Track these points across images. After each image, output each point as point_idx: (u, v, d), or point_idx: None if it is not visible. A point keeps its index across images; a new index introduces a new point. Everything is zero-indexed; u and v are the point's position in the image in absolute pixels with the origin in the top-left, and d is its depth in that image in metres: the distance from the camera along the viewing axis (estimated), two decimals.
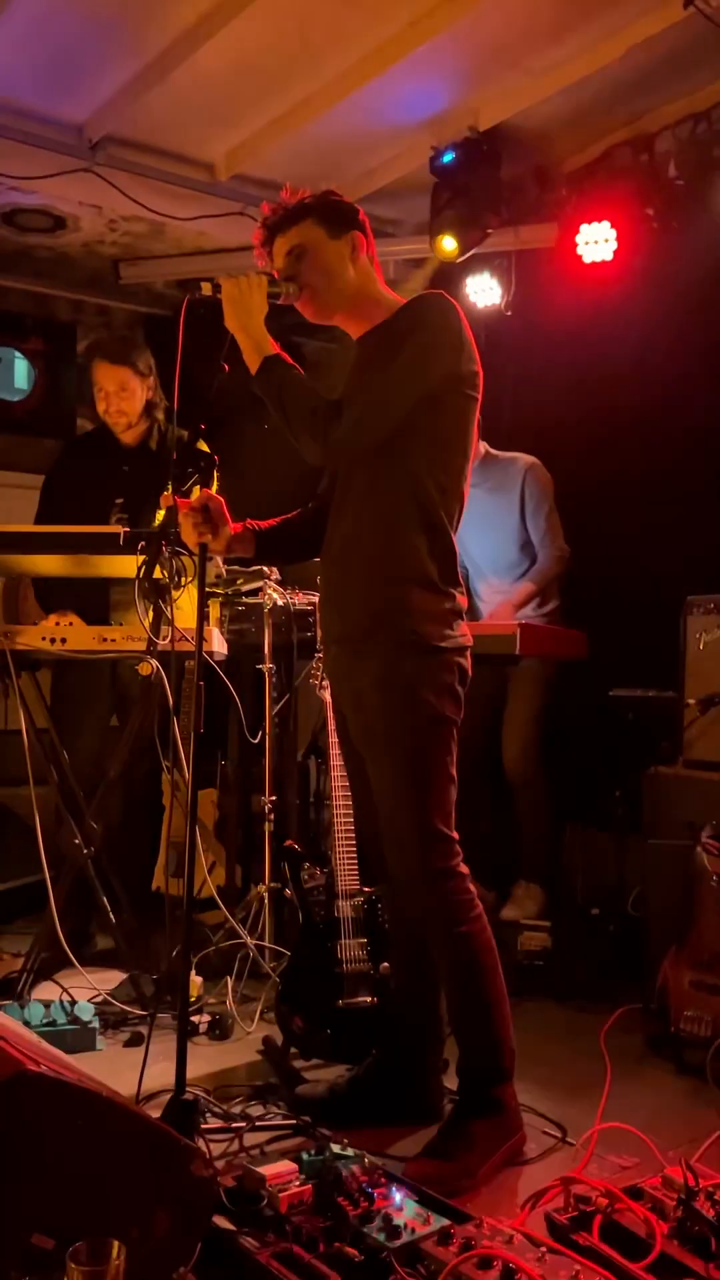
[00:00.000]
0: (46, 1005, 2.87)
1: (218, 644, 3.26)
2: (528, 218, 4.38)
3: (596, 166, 4.25)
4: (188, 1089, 2.14)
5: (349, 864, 2.80)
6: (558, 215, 4.28)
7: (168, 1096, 2.15)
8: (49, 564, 3.12)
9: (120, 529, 3.02)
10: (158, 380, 3.70)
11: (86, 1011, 2.88)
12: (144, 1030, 2.81)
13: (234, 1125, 2.34)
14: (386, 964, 2.68)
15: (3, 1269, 1.48)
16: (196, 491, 2.33)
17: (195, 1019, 2.98)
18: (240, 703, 3.35)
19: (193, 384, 2.37)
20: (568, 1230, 1.73)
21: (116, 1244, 1.41)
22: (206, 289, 2.33)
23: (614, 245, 4.09)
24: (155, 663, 2.94)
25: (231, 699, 3.31)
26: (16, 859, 3.89)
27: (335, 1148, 1.95)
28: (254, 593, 3.50)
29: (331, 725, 2.75)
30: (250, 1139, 2.30)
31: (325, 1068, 2.70)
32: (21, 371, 5.56)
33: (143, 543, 2.89)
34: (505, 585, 4.16)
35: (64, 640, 3.06)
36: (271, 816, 3.43)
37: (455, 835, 2.30)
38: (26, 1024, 2.72)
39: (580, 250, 4.14)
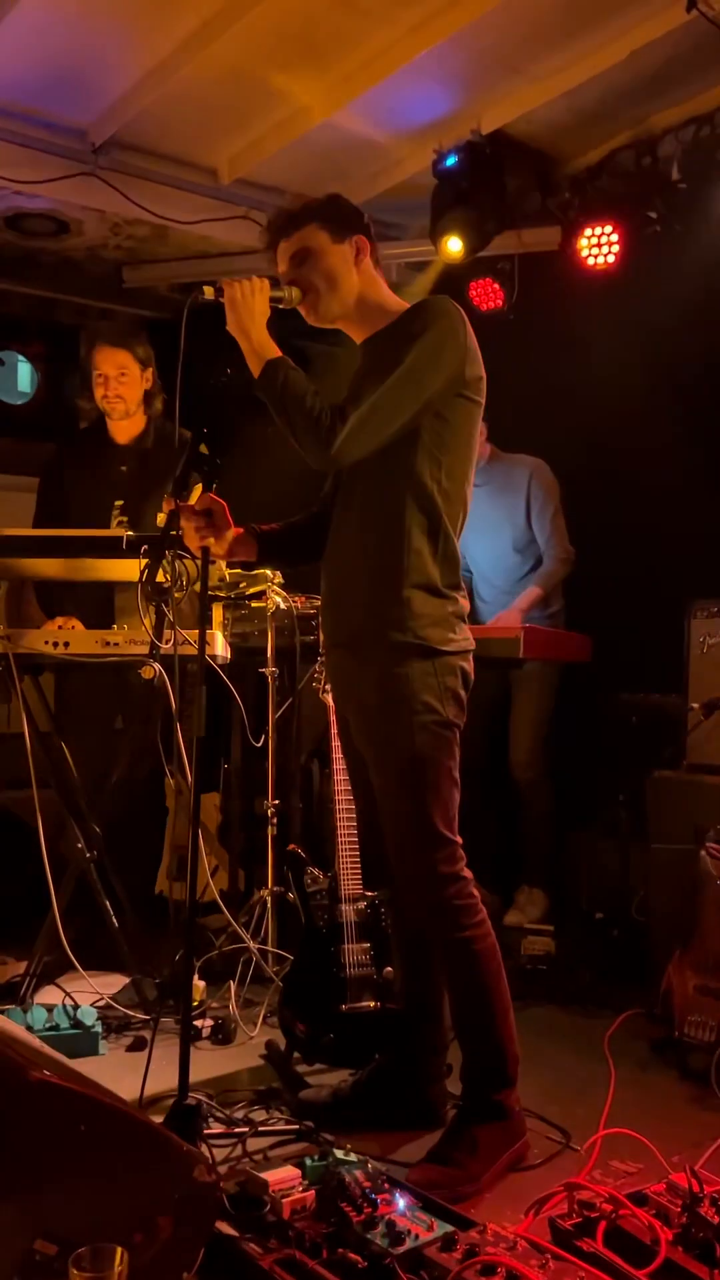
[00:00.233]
0: (49, 1010, 2.87)
1: (220, 648, 3.26)
2: (531, 221, 4.38)
3: (599, 170, 4.24)
4: (190, 1094, 2.14)
5: (352, 868, 2.79)
6: (561, 219, 4.28)
7: (170, 1101, 2.15)
8: (53, 568, 3.12)
9: (123, 532, 3.02)
10: (156, 372, 3.68)
11: (89, 1016, 2.87)
12: (147, 1035, 2.81)
13: (237, 1130, 2.34)
14: (390, 969, 2.67)
15: (6, 1275, 1.48)
16: (198, 491, 2.33)
17: (198, 1023, 2.97)
18: (243, 706, 3.35)
19: (196, 388, 2.37)
20: (572, 1236, 1.72)
21: (120, 1250, 1.41)
22: (209, 293, 2.33)
23: (617, 249, 4.09)
24: (158, 666, 2.94)
25: (234, 703, 3.31)
26: (19, 863, 3.88)
27: (338, 1153, 1.94)
28: (257, 596, 3.50)
29: (334, 729, 2.74)
30: (253, 1144, 2.29)
31: (328, 1073, 2.69)
32: (25, 375, 5.57)
33: (145, 546, 2.89)
34: (506, 587, 4.16)
35: (67, 644, 3.06)
36: (274, 820, 3.42)
37: (459, 839, 2.30)
38: (29, 1028, 2.72)
39: (583, 254, 4.14)
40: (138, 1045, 2.90)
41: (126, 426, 3.68)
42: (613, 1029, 2.94)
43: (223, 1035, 2.97)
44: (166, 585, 2.82)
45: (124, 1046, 2.92)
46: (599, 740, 3.95)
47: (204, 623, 2.34)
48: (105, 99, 3.92)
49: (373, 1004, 2.69)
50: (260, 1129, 2.35)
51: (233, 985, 3.13)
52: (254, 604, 3.55)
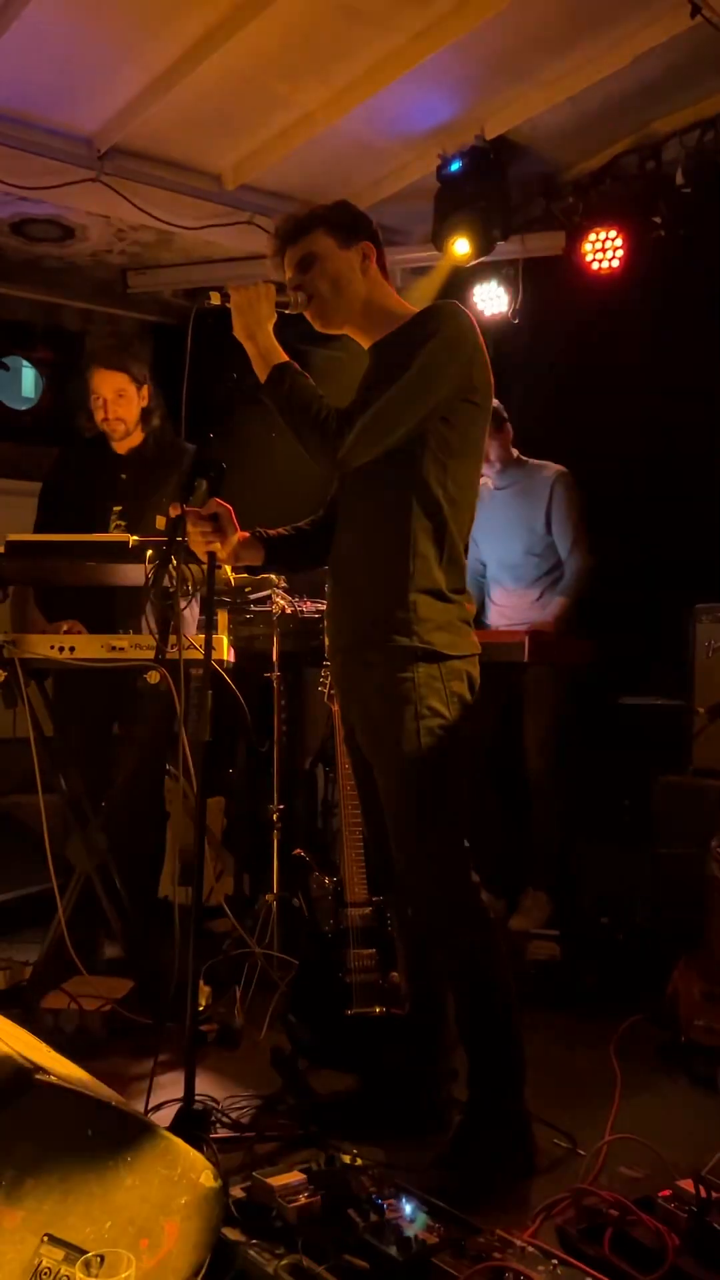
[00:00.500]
0: (55, 1014, 2.87)
1: (226, 652, 3.26)
2: (535, 226, 4.39)
3: (604, 174, 4.25)
4: (196, 1099, 2.14)
5: (358, 873, 2.79)
6: (565, 223, 4.29)
7: (176, 1106, 2.15)
8: (60, 573, 3.12)
9: (128, 537, 3.03)
10: (153, 387, 3.69)
11: (95, 1020, 2.87)
12: (152, 1040, 2.80)
13: (243, 1135, 2.34)
14: (395, 973, 2.67)
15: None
16: (200, 492, 2.33)
17: (204, 1028, 2.97)
18: (249, 711, 3.35)
19: (201, 393, 2.37)
20: (579, 1242, 1.72)
21: (126, 1255, 1.41)
22: (215, 298, 2.33)
23: (621, 253, 4.09)
24: (163, 671, 2.94)
25: (239, 707, 3.31)
26: (24, 868, 3.89)
27: (344, 1158, 1.94)
28: (262, 601, 3.51)
29: (340, 733, 2.74)
30: (259, 1149, 2.29)
31: (335, 1077, 2.68)
32: (29, 380, 5.58)
33: (150, 551, 2.90)
34: (518, 590, 4.16)
35: (72, 649, 3.06)
36: (279, 825, 3.42)
37: (465, 844, 2.29)
38: (35, 1033, 2.72)
39: (588, 258, 4.15)
40: (143, 1050, 2.89)
41: (126, 441, 3.69)
42: (619, 1034, 2.93)
43: (228, 1040, 2.97)
44: (172, 590, 2.82)
45: (129, 1051, 2.92)
46: (604, 744, 3.95)
47: (210, 627, 2.34)
48: (110, 105, 3.94)
49: (378, 1009, 2.69)
50: (266, 1134, 2.35)
51: (238, 990, 3.12)
52: (259, 608, 3.56)
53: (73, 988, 3.09)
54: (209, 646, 2.29)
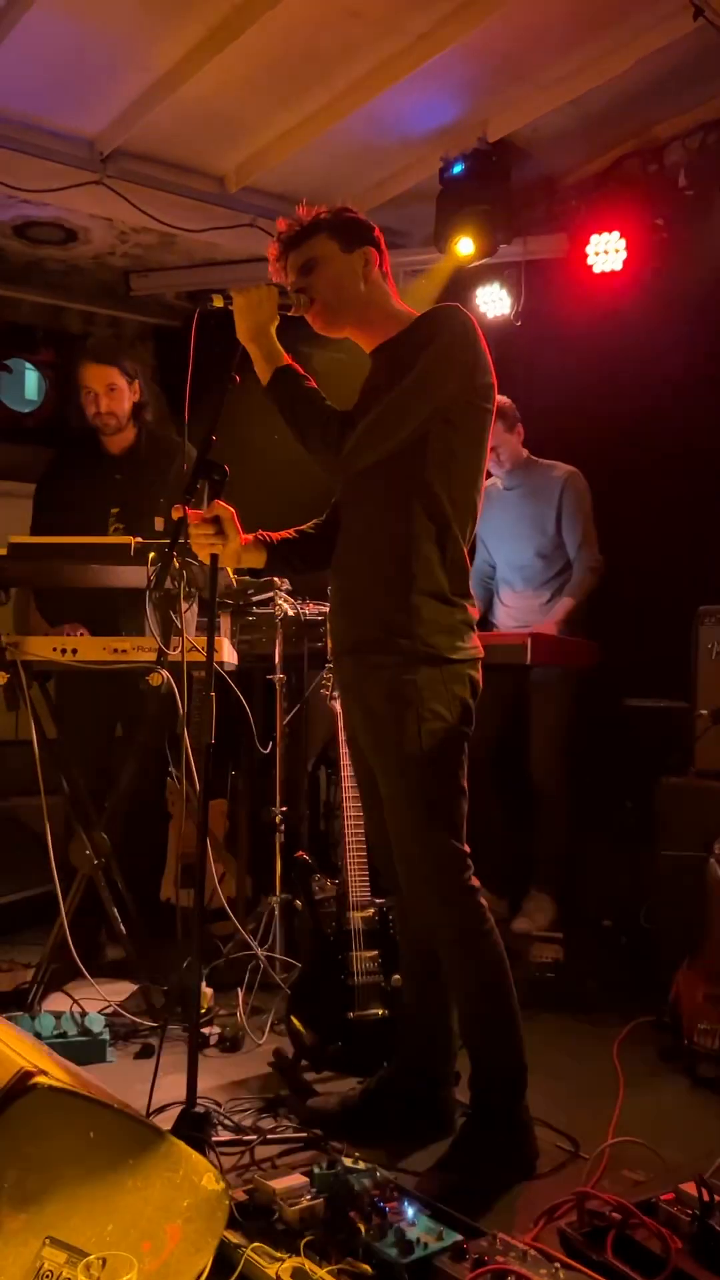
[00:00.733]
0: (57, 1017, 2.87)
1: (228, 654, 3.26)
2: (537, 228, 4.39)
3: (606, 177, 4.26)
4: (198, 1101, 2.14)
5: (360, 875, 2.79)
6: (567, 225, 4.30)
7: (179, 1109, 2.15)
8: (62, 575, 3.12)
9: (131, 539, 3.03)
10: (143, 382, 3.69)
11: (97, 1023, 2.87)
12: (154, 1042, 2.80)
13: (245, 1138, 2.34)
14: (398, 976, 2.67)
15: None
16: (202, 495, 2.33)
17: (206, 1031, 2.97)
18: (251, 713, 3.35)
19: (204, 396, 2.38)
20: (581, 1246, 1.72)
21: (128, 1258, 1.41)
22: (218, 301, 2.34)
23: (624, 255, 4.09)
24: (166, 674, 2.94)
25: (242, 709, 3.31)
26: (27, 869, 3.89)
27: (347, 1161, 1.94)
28: (265, 603, 3.51)
29: (342, 736, 2.74)
30: (261, 1152, 2.29)
31: (337, 1080, 2.68)
32: (32, 383, 5.59)
33: (154, 554, 2.90)
34: (527, 591, 4.16)
35: (74, 651, 3.06)
36: (282, 827, 3.42)
37: (466, 848, 2.29)
38: (37, 1035, 2.72)
39: (590, 260, 4.15)
40: (145, 1053, 2.89)
41: (119, 439, 3.69)
42: (621, 1037, 2.93)
43: (230, 1043, 2.97)
44: (175, 592, 2.82)
45: (132, 1054, 2.92)
46: (607, 747, 3.94)
47: (212, 630, 2.34)
48: (113, 108, 3.95)
49: (381, 1011, 2.69)
50: (269, 1137, 2.35)
51: (240, 993, 3.12)
52: (261, 610, 3.56)
53: (75, 990, 3.09)
54: (211, 649, 2.29)
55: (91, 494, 3.66)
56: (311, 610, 3.50)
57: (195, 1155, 1.68)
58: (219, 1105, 2.52)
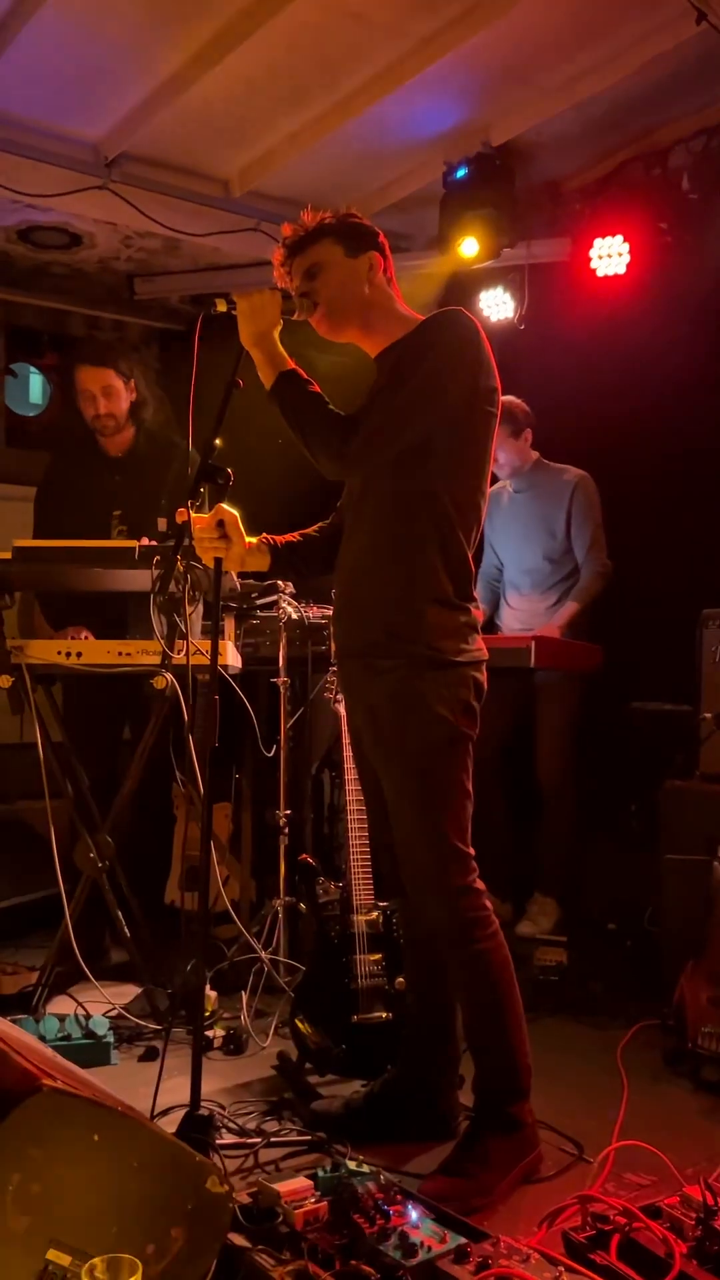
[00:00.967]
0: (61, 1019, 2.87)
1: (232, 658, 3.26)
2: (541, 232, 4.39)
3: (609, 181, 4.26)
4: (202, 1104, 2.14)
5: (364, 878, 2.79)
6: (571, 229, 4.30)
7: (183, 1112, 2.15)
8: (68, 579, 3.13)
9: (135, 543, 3.04)
10: (140, 381, 3.68)
11: (101, 1026, 2.88)
12: (159, 1045, 2.81)
13: (249, 1141, 2.34)
14: (402, 979, 2.67)
15: None
16: (206, 498, 2.33)
17: (210, 1034, 2.97)
18: (255, 716, 3.35)
19: (208, 398, 2.38)
20: (585, 1249, 1.72)
21: (133, 1260, 1.41)
22: (221, 305, 2.34)
23: (627, 259, 4.10)
24: (170, 676, 2.95)
25: (246, 713, 3.31)
26: (31, 872, 3.89)
27: (351, 1164, 1.94)
28: (269, 606, 3.51)
29: (346, 739, 2.74)
30: (265, 1155, 2.29)
31: (340, 1083, 2.69)
32: (36, 387, 5.60)
33: (158, 557, 2.91)
34: (534, 595, 4.16)
35: (79, 655, 3.07)
36: (286, 830, 3.42)
37: (471, 851, 2.29)
38: (41, 1038, 2.72)
39: (593, 264, 4.15)
40: (150, 1055, 2.89)
41: (117, 440, 3.69)
42: (625, 1040, 2.93)
43: (234, 1046, 2.97)
44: (179, 596, 2.83)
45: (136, 1056, 2.92)
46: (611, 750, 3.94)
47: (216, 633, 2.35)
48: (117, 112, 3.95)
49: (385, 1015, 2.69)
50: (272, 1140, 2.35)
51: (244, 995, 3.12)
52: (266, 614, 3.56)
53: (79, 993, 3.10)
54: (215, 652, 2.29)
55: (92, 497, 3.67)
56: (315, 613, 3.51)
57: (199, 1158, 1.68)
58: (223, 1108, 2.52)
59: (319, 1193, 1.85)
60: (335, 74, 3.71)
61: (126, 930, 3.21)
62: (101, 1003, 3.08)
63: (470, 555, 2.33)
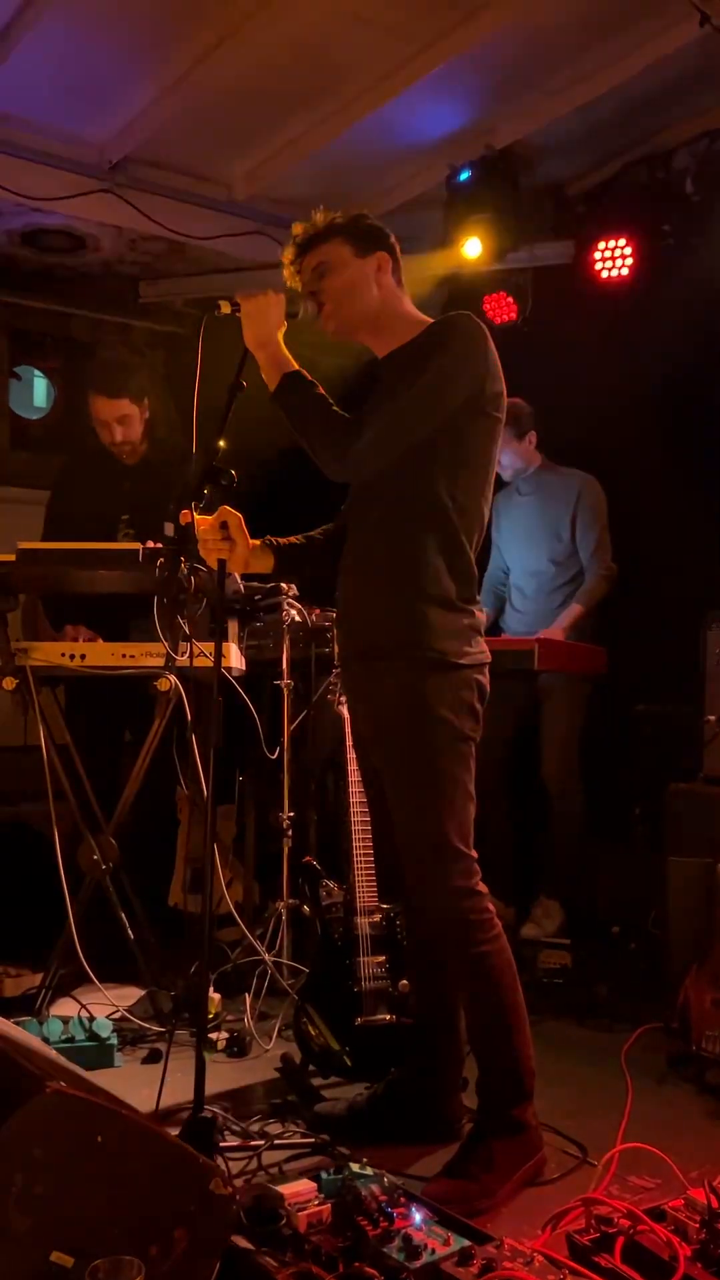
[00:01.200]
0: (65, 1021, 2.87)
1: (236, 660, 3.26)
2: (544, 235, 4.39)
3: (613, 183, 4.26)
4: (206, 1106, 2.13)
5: (367, 880, 2.79)
6: (574, 232, 4.30)
7: (186, 1114, 2.14)
8: (72, 581, 3.14)
9: (138, 545, 3.04)
10: (153, 396, 3.68)
11: (105, 1028, 2.88)
12: (162, 1047, 2.80)
13: (252, 1143, 2.33)
14: (405, 981, 2.67)
15: None
16: (209, 499, 2.33)
17: (213, 1036, 2.97)
18: (258, 718, 3.35)
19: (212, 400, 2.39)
20: (589, 1252, 1.71)
21: (136, 1262, 1.41)
22: (225, 308, 2.35)
23: (631, 262, 4.09)
24: (174, 678, 2.95)
25: (250, 715, 3.31)
26: (36, 875, 3.89)
27: (354, 1167, 1.93)
28: (273, 608, 3.51)
29: (349, 741, 2.74)
30: (269, 1157, 2.28)
31: (344, 1086, 2.68)
32: (41, 390, 5.61)
33: (161, 560, 2.91)
34: (539, 598, 4.16)
35: (83, 657, 3.07)
36: (289, 832, 3.42)
37: (474, 854, 2.29)
38: (45, 1040, 2.72)
39: (597, 267, 4.15)
40: (153, 1058, 2.89)
41: (134, 454, 3.71)
42: (629, 1043, 2.92)
43: (238, 1048, 2.97)
44: (183, 598, 2.83)
45: (139, 1059, 2.92)
46: (615, 752, 3.94)
47: (220, 635, 2.35)
48: (122, 116, 3.96)
49: (388, 1017, 2.69)
50: (276, 1142, 2.34)
51: (248, 998, 3.12)
52: (269, 616, 3.56)
53: (83, 995, 3.10)
54: (219, 654, 2.29)
55: (101, 502, 3.68)
56: (319, 616, 3.51)
57: (202, 1160, 1.68)
58: (226, 1110, 2.51)
59: (322, 1195, 1.85)
60: (339, 77, 3.72)
61: (131, 933, 3.20)
62: (105, 1005, 3.08)
63: (473, 558, 2.33)
